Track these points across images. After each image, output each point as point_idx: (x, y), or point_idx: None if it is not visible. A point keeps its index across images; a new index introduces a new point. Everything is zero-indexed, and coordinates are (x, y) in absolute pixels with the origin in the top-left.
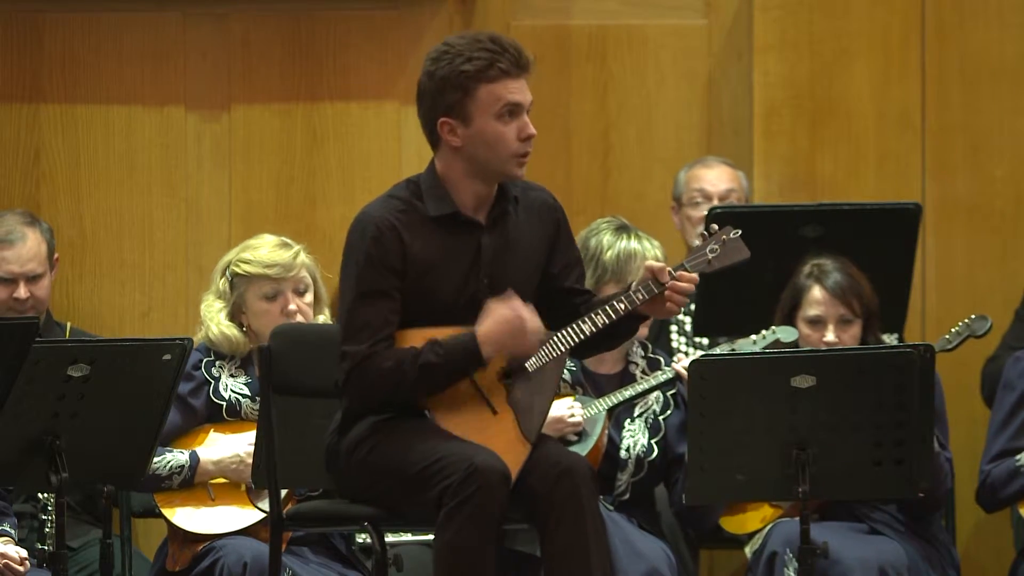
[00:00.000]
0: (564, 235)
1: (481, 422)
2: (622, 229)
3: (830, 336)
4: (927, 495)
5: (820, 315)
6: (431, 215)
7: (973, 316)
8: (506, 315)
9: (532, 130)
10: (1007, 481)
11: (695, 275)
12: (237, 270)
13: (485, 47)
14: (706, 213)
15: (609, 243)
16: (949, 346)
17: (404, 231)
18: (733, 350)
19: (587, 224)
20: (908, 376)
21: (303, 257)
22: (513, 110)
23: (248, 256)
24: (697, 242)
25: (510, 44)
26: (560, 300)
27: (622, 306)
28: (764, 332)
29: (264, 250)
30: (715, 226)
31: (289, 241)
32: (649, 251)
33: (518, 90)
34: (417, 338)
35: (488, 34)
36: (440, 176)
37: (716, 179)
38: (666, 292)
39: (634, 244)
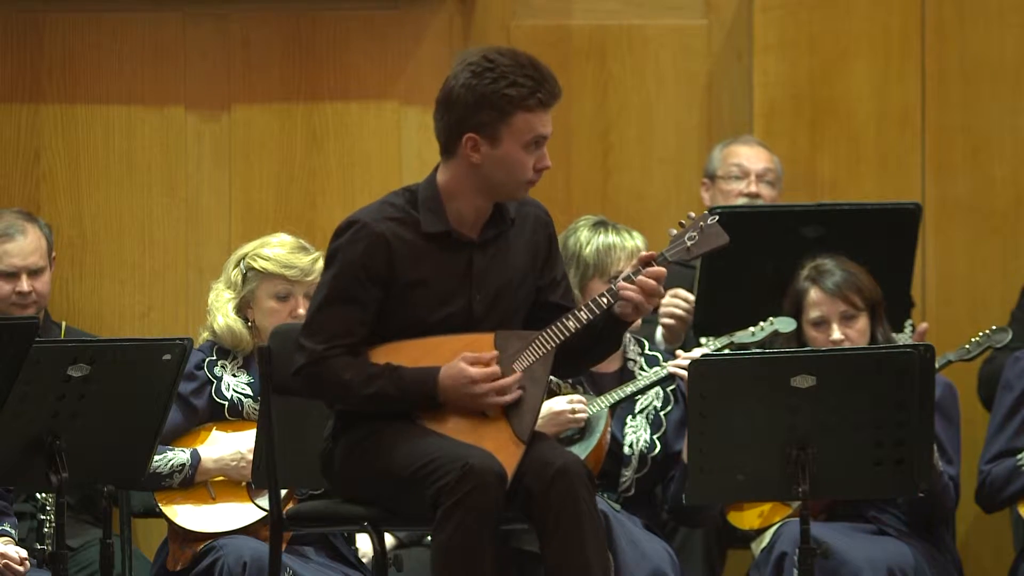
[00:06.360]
0: (554, 251)
1: (472, 423)
2: (599, 224)
3: (836, 335)
4: (927, 508)
5: (822, 316)
6: (424, 231)
7: (994, 327)
8: (470, 376)
9: (548, 163)
10: (1007, 481)
11: (660, 269)
12: (253, 264)
13: (528, 74)
14: (743, 188)
15: (587, 239)
16: (968, 356)
17: (394, 241)
18: (732, 342)
19: None
20: (908, 376)
21: (320, 264)
22: (539, 142)
23: (268, 252)
24: (675, 231)
25: (548, 73)
26: (547, 315)
27: (604, 300)
28: (762, 323)
29: (284, 250)
30: (692, 213)
31: (307, 245)
32: (628, 242)
33: (548, 123)
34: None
35: (528, 57)
36: (440, 187)
37: (754, 157)
38: (633, 292)
39: (612, 237)
